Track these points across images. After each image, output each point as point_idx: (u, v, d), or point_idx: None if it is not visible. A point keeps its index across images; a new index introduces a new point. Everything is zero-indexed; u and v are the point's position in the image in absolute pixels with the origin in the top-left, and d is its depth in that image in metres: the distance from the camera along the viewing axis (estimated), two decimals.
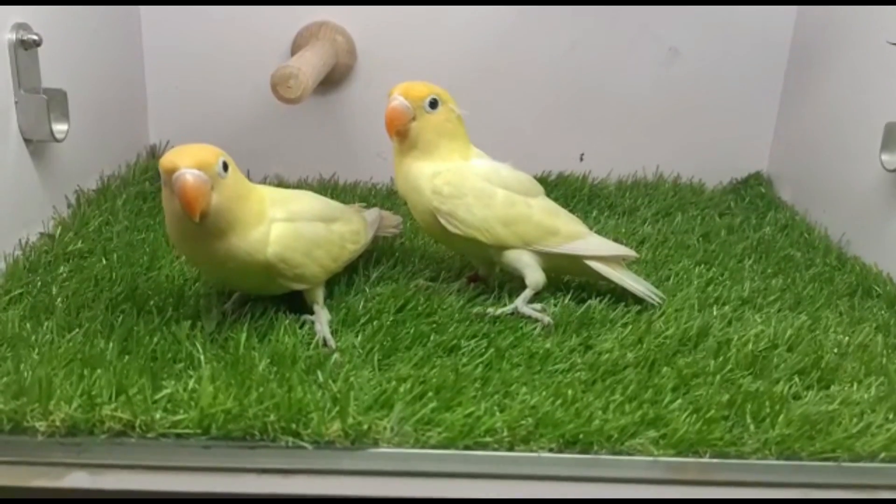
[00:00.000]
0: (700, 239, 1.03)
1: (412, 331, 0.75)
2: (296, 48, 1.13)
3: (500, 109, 1.20)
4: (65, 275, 0.83)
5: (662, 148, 1.23)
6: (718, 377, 0.69)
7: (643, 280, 0.84)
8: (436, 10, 1.16)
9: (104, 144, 1.06)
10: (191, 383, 0.64)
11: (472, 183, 0.79)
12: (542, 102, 1.21)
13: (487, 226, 0.78)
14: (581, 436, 0.61)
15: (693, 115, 1.22)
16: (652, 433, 0.62)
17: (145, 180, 1.09)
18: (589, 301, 0.81)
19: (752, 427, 0.63)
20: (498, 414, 0.63)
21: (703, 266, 0.94)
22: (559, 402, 0.64)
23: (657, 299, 0.82)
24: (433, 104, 0.78)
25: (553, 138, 1.22)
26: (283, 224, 0.72)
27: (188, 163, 0.63)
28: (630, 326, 0.77)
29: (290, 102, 0.91)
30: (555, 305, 0.81)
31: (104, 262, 0.86)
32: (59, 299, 0.77)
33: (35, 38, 0.82)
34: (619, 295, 0.83)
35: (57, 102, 0.85)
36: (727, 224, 1.08)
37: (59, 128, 0.86)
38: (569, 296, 0.83)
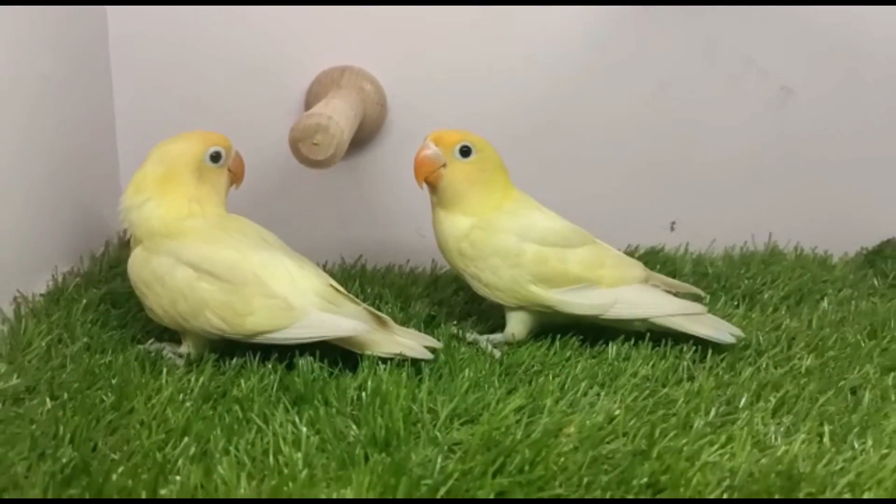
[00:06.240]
0: (867, 334, 0.77)
1: None
2: (312, 99, 0.88)
3: (569, 170, 0.96)
4: None
5: (774, 212, 0.99)
6: None
7: (712, 317, 0.74)
8: (484, 48, 0.92)
9: (59, 232, 0.80)
10: None
11: (497, 241, 0.72)
12: (622, 159, 0.97)
13: (517, 287, 0.72)
14: None
15: (810, 170, 0.98)
16: None
17: (117, 276, 0.82)
18: (784, 446, 0.54)
19: None
20: None
21: (894, 375, 0.68)
22: None
23: (731, 338, 0.72)
24: (465, 152, 0.73)
25: (638, 204, 0.98)
26: (143, 251, 0.68)
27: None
28: (856, 487, 0.50)
29: (317, 166, 0.66)
30: (730, 458, 0.54)
31: (49, 406, 0.59)
32: None
33: None
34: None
35: None
36: (891, 310, 0.82)
37: None
38: (747, 437, 0.56)
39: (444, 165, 0.73)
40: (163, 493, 0.50)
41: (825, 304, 0.84)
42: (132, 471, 0.51)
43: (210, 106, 0.90)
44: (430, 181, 0.74)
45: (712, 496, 0.50)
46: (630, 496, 0.50)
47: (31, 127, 0.74)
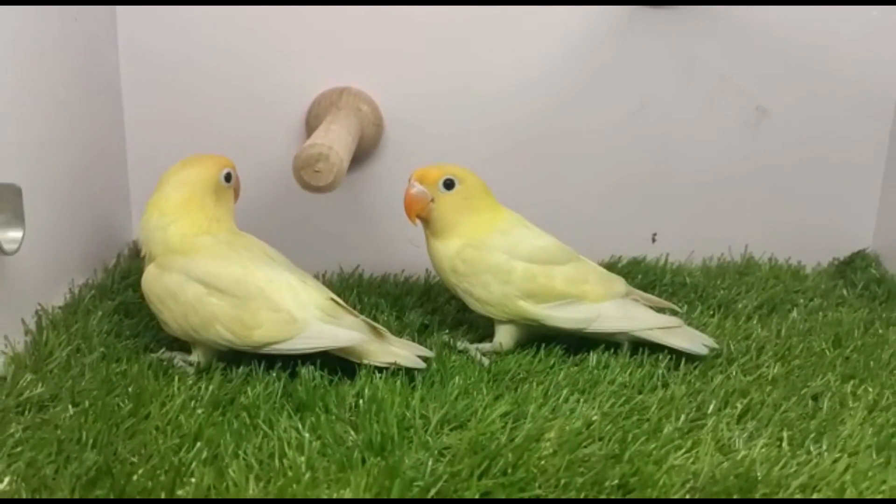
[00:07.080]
0: (831, 343, 0.82)
1: None
2: (312, 119, 0.93)
3: (555, 183, 1.01)
4: (17, 437, 0.60)
5: (750, 224, 1.04)
6: None
7: (689, 329, 0.79)
8: (476, 68, 0.97)
9: (75, 246, 0.85)
10: None
11: (488, 259, 0.76)
12: (606, 174, 1.02)
13: (507, 302, 0.76)
14: None
15: (784, 184, 1.03)
16: None
17: (128, 287, 0.87)
18: (745, 450, 0.60)
19: None
20: None
21: (853, 383, 0.73)
22: None
23: (705, 349, 0.76)
24: (448, 185, 0.77)
25: (620, 217, 1.03)
26: (156, 268, 0.72)
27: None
28: (807, 488, 0.55)
29: (318, 191, 0.70)
30: (694, 461, 0.59)
31: (71, 412, 0.64)
32: (5, 481, 0.55)
33: None
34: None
35: (7, 202, 0.64)
36: (856, 320, 0.87)
37: (11, 235, 0.64)
38: (712, 441, 0.61)
39: (432, 200, 0.77)
40: (180, 493, 0.54)
41: (795, 314, 0.89)
42: (151, 473, 0.56)
43: (216, 126, 0.95)
44: (422, 216, 0.78)
45: (676, 497, 0.55)
46: (602, 497, 0.55)
47: (49, 150, 0.78)
